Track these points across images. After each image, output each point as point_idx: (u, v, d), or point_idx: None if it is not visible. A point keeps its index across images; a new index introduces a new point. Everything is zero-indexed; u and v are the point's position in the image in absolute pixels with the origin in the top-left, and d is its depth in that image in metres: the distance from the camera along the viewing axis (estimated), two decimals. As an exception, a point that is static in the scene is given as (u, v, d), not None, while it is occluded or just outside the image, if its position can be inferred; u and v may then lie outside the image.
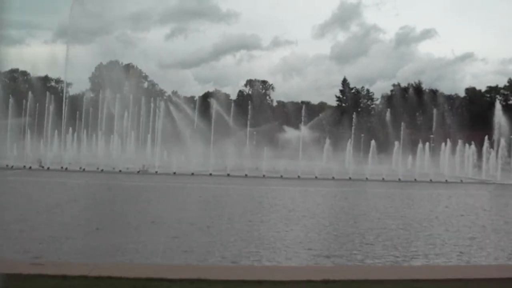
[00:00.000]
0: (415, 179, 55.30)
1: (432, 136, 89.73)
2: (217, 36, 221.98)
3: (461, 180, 56.59)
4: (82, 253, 14.62)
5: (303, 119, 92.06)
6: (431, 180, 55.48)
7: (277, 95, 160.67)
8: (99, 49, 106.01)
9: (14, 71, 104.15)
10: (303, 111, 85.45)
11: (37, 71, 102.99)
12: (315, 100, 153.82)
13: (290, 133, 78.28)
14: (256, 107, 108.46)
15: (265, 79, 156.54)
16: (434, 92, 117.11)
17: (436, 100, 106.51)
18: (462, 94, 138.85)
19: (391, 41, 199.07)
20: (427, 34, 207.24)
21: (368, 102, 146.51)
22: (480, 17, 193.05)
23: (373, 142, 67.70)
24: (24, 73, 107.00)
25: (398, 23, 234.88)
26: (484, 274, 12.06)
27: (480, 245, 17.95)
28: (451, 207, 31.46)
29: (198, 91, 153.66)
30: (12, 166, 53.05)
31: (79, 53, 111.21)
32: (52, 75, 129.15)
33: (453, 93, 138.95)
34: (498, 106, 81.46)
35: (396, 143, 70.82)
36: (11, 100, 71.31)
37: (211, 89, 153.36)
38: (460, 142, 66.58)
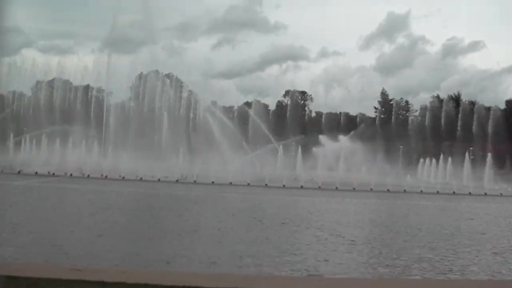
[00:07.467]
0: (454, 192, 54.42)
1: (471, 148, 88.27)
2: (264, 46, 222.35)
3: (501, 194, 55.48)
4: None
5: (342, 130, 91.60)
6: (470, 193, 54.50)
7: (318, 106, 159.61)
8: (143, 59, 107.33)
9: (57, 80, 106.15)
10: (341, 122, 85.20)
11: (80, 80, 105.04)
12: (355, 111, 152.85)
13: (327, 144, 77.78)
14: (293, 117, 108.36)
15: (308, 90, 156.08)
16: (473, 104, 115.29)
17: (475, 112, 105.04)
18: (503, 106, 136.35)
19: (437, 53, 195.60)
20: (475, 45, 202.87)
21: (407, 114, 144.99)
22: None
23: (414, 155, 67.29)
24: (67, 82, 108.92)
25: (446, 35, 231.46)
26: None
27: None
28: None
29: (239, 102, 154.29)
30: (54, 173, 54.19)
31: (122, 62, 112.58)
32: (94, 84, 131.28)
33: (493, 105, 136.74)
34: None
35: (441, 155, 70.18)
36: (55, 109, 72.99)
37: (251, 100, 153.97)
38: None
